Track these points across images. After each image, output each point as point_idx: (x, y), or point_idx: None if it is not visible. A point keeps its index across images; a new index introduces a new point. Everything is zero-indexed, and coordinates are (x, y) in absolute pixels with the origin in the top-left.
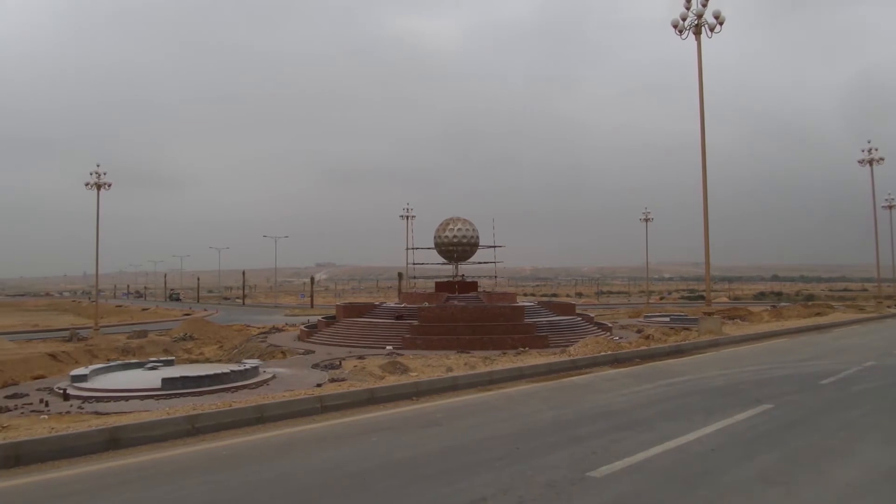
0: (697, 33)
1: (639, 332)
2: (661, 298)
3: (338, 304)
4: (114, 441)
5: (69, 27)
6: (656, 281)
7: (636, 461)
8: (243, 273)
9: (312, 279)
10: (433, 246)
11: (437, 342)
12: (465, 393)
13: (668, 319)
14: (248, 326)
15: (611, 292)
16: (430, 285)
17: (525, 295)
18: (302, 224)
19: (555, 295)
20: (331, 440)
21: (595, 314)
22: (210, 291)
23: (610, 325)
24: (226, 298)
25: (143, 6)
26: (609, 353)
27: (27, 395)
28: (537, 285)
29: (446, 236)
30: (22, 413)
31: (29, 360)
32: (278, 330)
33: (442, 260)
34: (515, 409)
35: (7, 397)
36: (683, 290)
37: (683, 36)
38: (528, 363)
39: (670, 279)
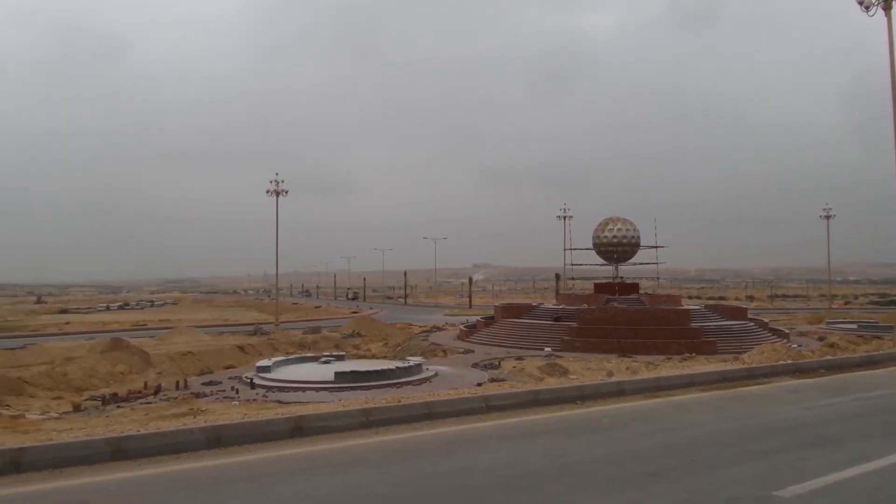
0: (887, 8)
1: (820, 339)
2: (846, 303)
3: (496, 304)
4: (298, 429)
5: (254, 51)
6: (839, 283)
7: (829, 482)
8: (405, 273)
9: (470, 279)
10: (591, 246)
11: (597, 345)
12: (631, 399)
13: (854, 326)
14: (411, 325)
15: (786, 296)
16: (588, 286)
17: (689, 297)
18: (460, 225)
19: (722, 298)
20: (497, 440)
21: (769, 319)
22: (374, 291)
23: (787, 331)
24: (389, 298)
25: (308, 30)
26: (789, 361)
27: (220, 382)
28: (702, 287)
29: (605, 236)
30: (216, 399)
31: (221, 351)
32: (439, 329)
33: (601, 261)
34: (687, 418)
35: (204, 384)
36: (872, 294)
37: (871, 12)
38: (697, 370)
39: (856, 282)
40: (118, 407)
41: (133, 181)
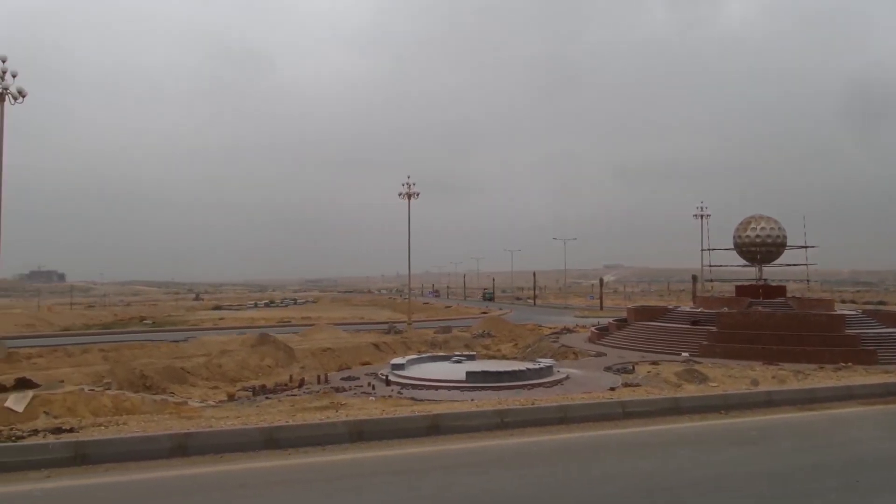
0: None
1: None
2: None
3: (629, 306)
4: (434, 427)
5: (382, 62)
6: None
7: None
8: (534, 274)
9: (601, 280)
10: (732, 246)
11: (739, 351)
12: (781, 411)
13: None
14: (540, 326)
15: None
16: (728, 289)
17: (843, 302)
18: (590, 225)
19: (882, 302)
20: (636, 448)
21: None
22: (504, 291)
23: None
24: (518, 298)
25: (430, 35)
26: None
27: (358, 378)
28: (858, 291)
29: (748, 236)
30: (354, 394)
31: (358, 348)
32: (569, 331)
33: (742, 262)
34: (846, 434)
35: (343, 379)
36: None
37: None
38: (857, 381)
39: None
40: (266, 398)
41: (274, 188)
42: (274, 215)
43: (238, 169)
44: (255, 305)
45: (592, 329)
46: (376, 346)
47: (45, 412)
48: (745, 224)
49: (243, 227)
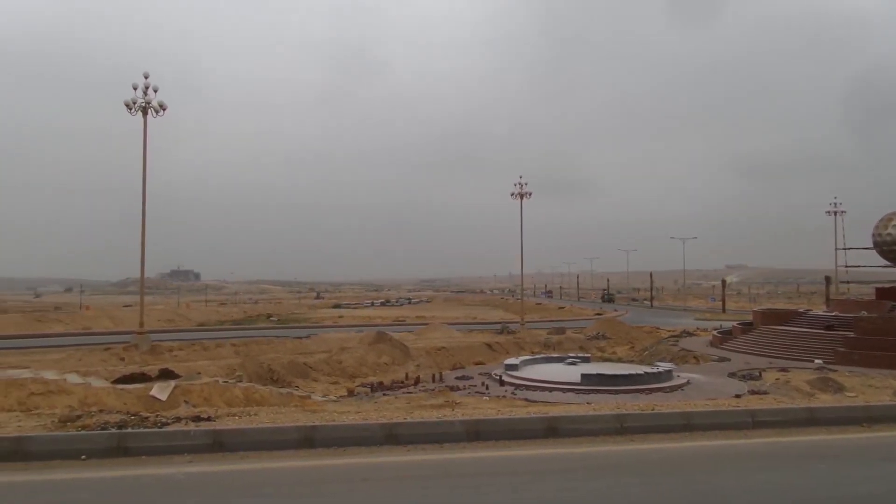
0: None
1: None
2: None
3: (754, 309)
4: (552, 430)
5: (491, 62)
6: None
7: None
8: (650, 275)
9: (724, 282)
10: (871, 246)
11: (880, 359)
12: None
13: None
14: (658, 329)
15: None
16: (866, 291)
17: None
18: (710, 224)
19: None
20: (767, 460)
21: None
22: (619, 292)
23: None
24: (633, 300)
25: (541, 33)
26: None
27: (471, 377)
28: None
29: (889, 234)
30: (468, 393)
31: (472, 347)
32: (689, 334)
33: (883, 262)
34: None
35: (457, 378)
36: None
37: None
38: None
39: None
40: (384, 395)
41: (390, 190)
42: (390, 217)
43: (357, 172)
44: (372, 304)
45: (714, 333)
46: (489, 345)
47: (185, 401)
48: (887, 221)
49: (361, 229)
